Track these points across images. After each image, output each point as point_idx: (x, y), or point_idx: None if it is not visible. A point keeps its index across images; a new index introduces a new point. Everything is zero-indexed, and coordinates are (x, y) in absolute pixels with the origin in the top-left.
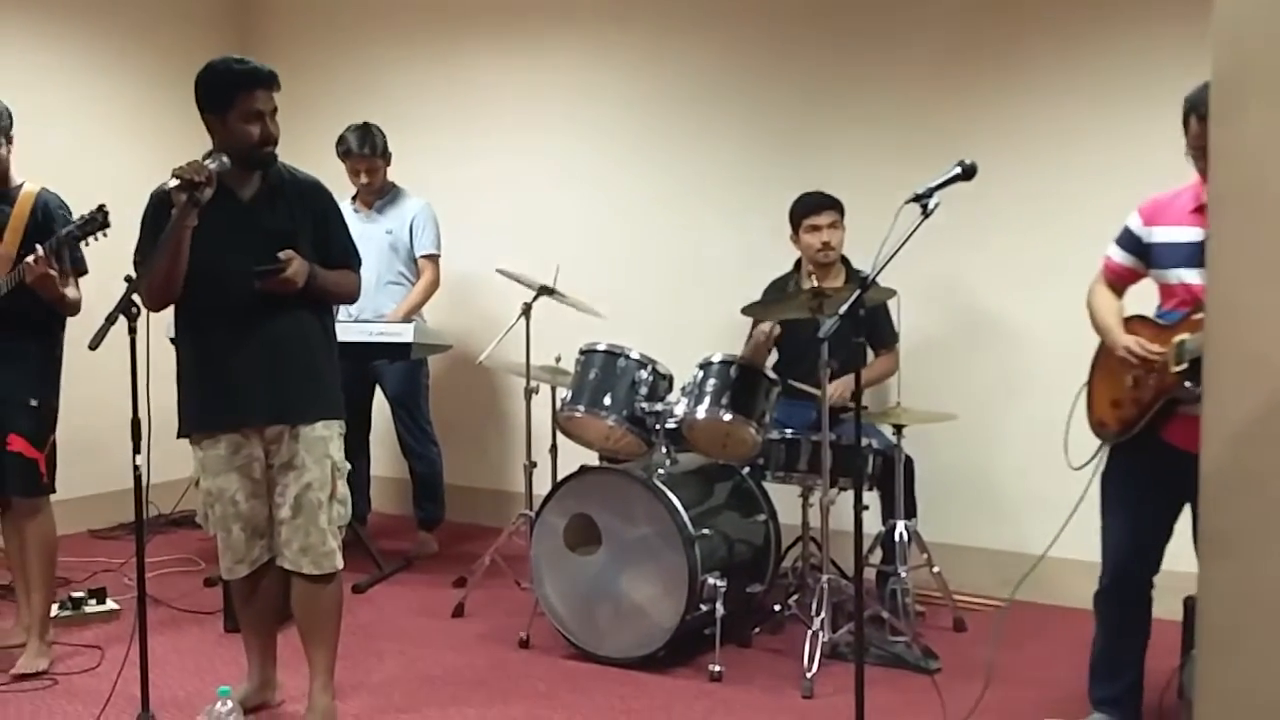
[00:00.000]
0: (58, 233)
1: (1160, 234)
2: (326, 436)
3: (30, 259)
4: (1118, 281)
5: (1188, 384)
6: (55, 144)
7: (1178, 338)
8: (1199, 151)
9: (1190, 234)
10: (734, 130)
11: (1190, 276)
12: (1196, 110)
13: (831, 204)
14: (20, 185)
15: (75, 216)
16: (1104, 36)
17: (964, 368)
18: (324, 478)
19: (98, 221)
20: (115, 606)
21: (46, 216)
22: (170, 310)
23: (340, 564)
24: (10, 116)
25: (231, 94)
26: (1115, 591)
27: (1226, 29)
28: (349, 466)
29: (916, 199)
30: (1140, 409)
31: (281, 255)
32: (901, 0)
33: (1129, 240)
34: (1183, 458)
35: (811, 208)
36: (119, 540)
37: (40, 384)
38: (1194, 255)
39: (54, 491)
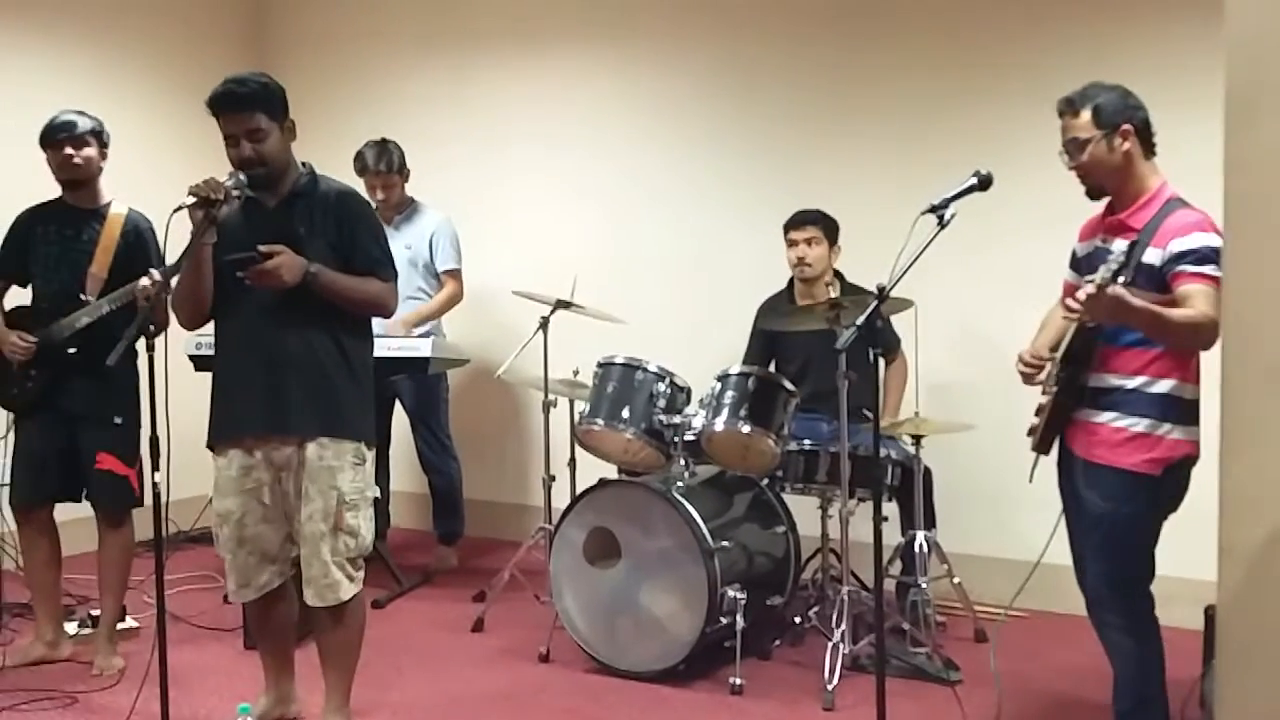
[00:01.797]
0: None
1: (1080, 247)
2: (335, 466)
3: (147, 282)
4: (1069, 297)
5: (1051, 388)
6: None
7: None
8: (1072, 146)
9: (1090, 244)
10: (748, 142)
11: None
12: (1070, 106)
13: (812, 220)
14: (109, 204)
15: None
16: (1117, 43)
17: (982, 377)
18: (327, 509)
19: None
20: (135, 624)
21: (138, 238)
22: (187, 327)
23: (345, 596)
24: (97, 128)
25: (215, 118)
26: (1089, 604)
27: (1239, 44)
28: (375, 492)
29: (933, 210)
30: (1040, 415)
31: (262, 249)
32: (914, 8)
33: (1071, 255)
34: (1076, 462)
35: (791, 222)
36: (139, 557)
37: (125, 402)
38: (1089, 263)
39: (141, 504)
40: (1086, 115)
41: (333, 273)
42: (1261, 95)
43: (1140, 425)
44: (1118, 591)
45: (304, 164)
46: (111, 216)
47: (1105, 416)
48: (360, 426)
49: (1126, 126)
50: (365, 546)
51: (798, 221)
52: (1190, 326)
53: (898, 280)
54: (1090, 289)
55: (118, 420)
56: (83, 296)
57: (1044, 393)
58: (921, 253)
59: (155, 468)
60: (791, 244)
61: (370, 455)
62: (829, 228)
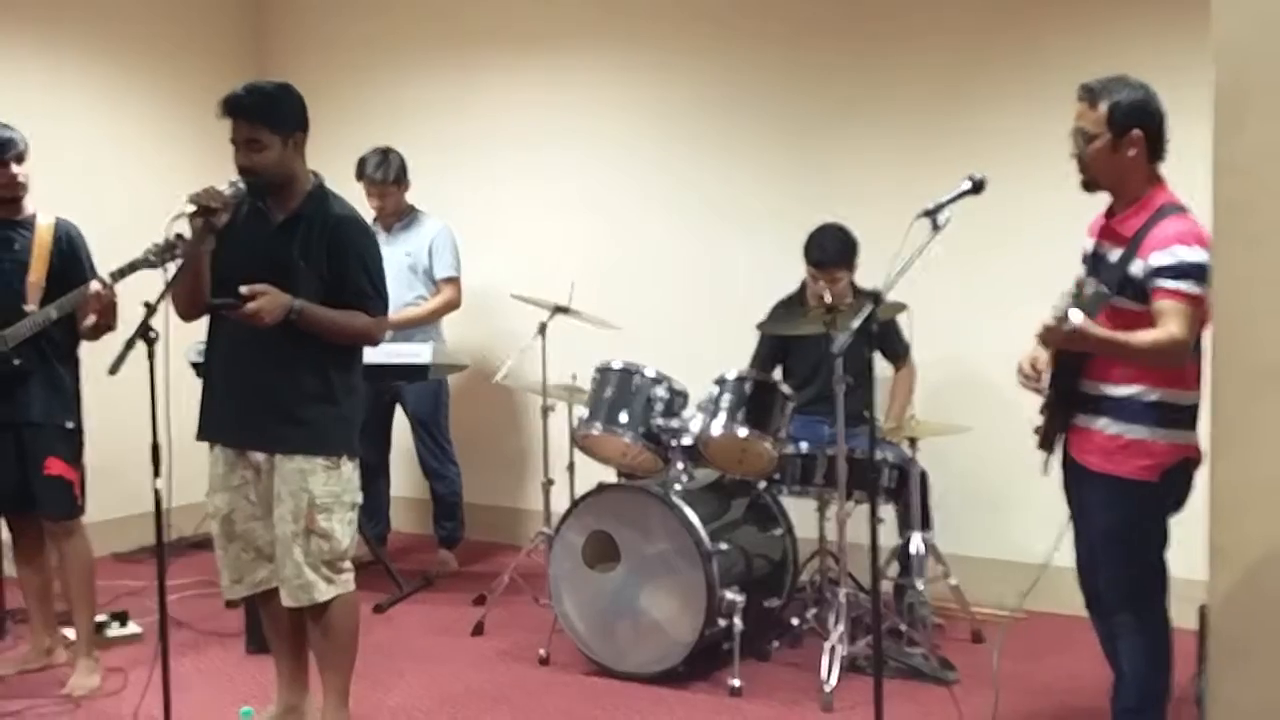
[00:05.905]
0: (131, 260)
1: (1089, 245)
2: (306, 470)
3: (96, 288)
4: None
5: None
6: (73, 172)
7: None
8: (1079, 137)
9: (1090, 244)
10: (748, 146)
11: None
12: (1090, 96)
13: (835, 261)
14: (34, 214)
15: (89, 245)
16: (1121, 46)
17: (977, 380)
18: (297, 510)
19: (176, 250)
20: (138, 629)
21: (71, 245)
22: (192, 336)
23: (320, 597)
24: (26, 144)
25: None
26: (1088, 604)
27: (1226, 48)
28: (357, 498)
29: (927, 214)
30: (1042, 418)
31: (243, 290)
32: (915, 13)
33: (1082, 252)
34: (1076, 467)
35: (814, 261)
36: (141, 563)
37: (73, 407)
38: (1089, 266)
39: (84, 513)
40: (1102, 110)
41: (317, 310)
42: (1249, 98)
43: (1134, 433)
44: (1131, 595)
45: (315, 175)
46: (41, 226)
47: (1099, 423)
48: (333, 444)
49: (1137, 132)
50: (341, 550)
51: (824, 264)
52: (1152, 349)
53: (893, 284)
54: (1049, 321)
55: (69, 425)
56: (25, 307)
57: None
58: (916, 257)
59: (156, 473)
60: (815, 279)
61: (349, 463)
62: (851, 259)
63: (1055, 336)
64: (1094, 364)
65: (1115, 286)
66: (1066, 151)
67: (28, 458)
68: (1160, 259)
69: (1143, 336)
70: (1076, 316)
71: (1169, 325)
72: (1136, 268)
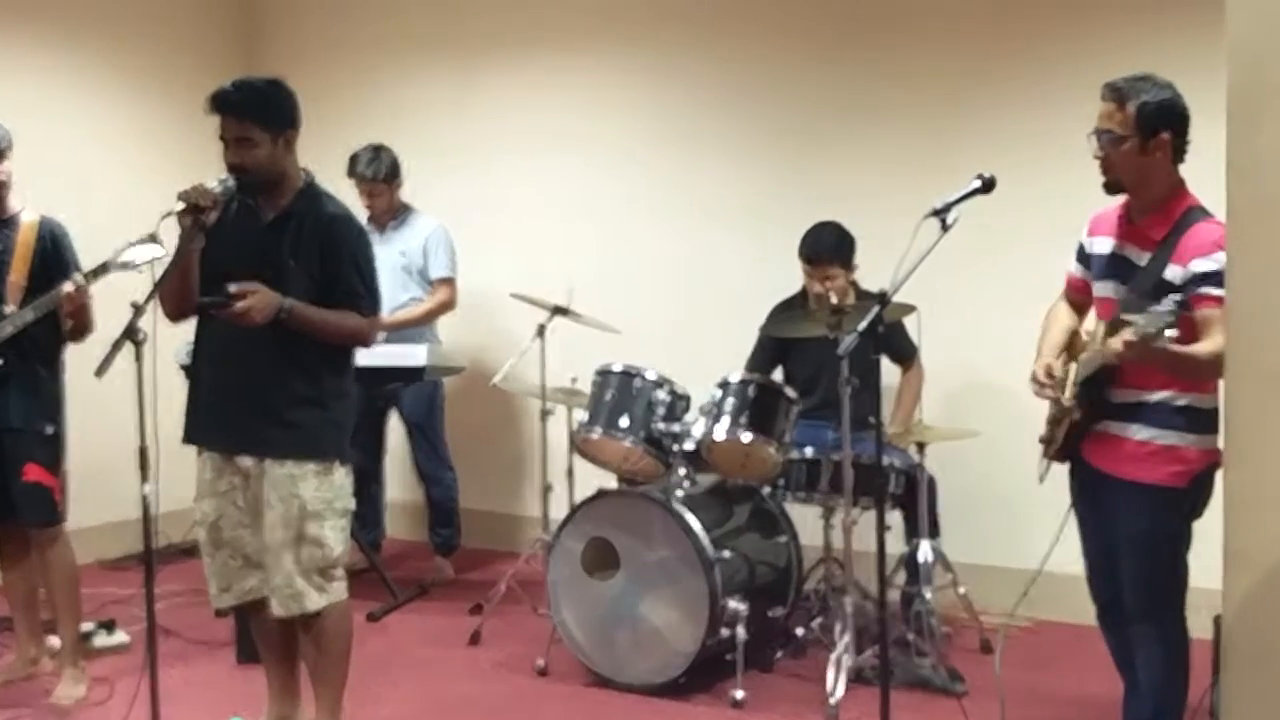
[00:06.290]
0: (104, 260)
1: (1095, 244)
2: (297, 475)
3: (69, 288)
4: (1074, 295)
5: (1071, 403)
6: (63, 170)
7: (1073, 363)
8: (1106, 139)
9: (1107, 245)
10: (748, 148)
11: (1103, 290)
12: (1117, 96)
13: (828, 258)
14: (19, 213)
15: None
16: (1125, 48)
17: (987, 384)
18: (287, 517)
19: (151, 244)
20: (125, 639)
21: (55, 244)
22: (181, 337)
23: (311, 607)
24: (10, 141)
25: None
26: (1100, 615)
27: (1241, 48)
28: (349, 504)
29: (935, 214)
30: (1056, 427)
31: (232, 288)
32: (916, 18)
33: (1079, 250)
34: (1097, 476)
35: (808, 258)
36: (129, 571)
37: (54, 412)
38: (1106, 267)
39: (65, 519)
40: (1130, 111)
41: (308, 309)
42: (1264, 99)
43: (1166, 438)
44: (1155, 604)
45: (305, 172)
46: (25, 224)
47: (1130, 429)
48: (324, 448)
49: (1165, 135)
50: (333, 558)
51: (816, 260)
52: (1214, 359)
53: (900, 285)
54: (1131, 337)
55: (49, 430)
56: (5, 308)
57: (1056, 403)
58: (925, 257)
59: (144, 479)
60: (810, 277)
61: (341, 469)
62: (846, 256)
63: (1141, 353)
64: (1130, 371)
65: (1150, 291)
66: (1075, 153)
67: (7, 464)
68: (1204, 265)
69: (1204, 348)
70: (1173, 333)
71: (1218, 335)
72: (1173, 273)
